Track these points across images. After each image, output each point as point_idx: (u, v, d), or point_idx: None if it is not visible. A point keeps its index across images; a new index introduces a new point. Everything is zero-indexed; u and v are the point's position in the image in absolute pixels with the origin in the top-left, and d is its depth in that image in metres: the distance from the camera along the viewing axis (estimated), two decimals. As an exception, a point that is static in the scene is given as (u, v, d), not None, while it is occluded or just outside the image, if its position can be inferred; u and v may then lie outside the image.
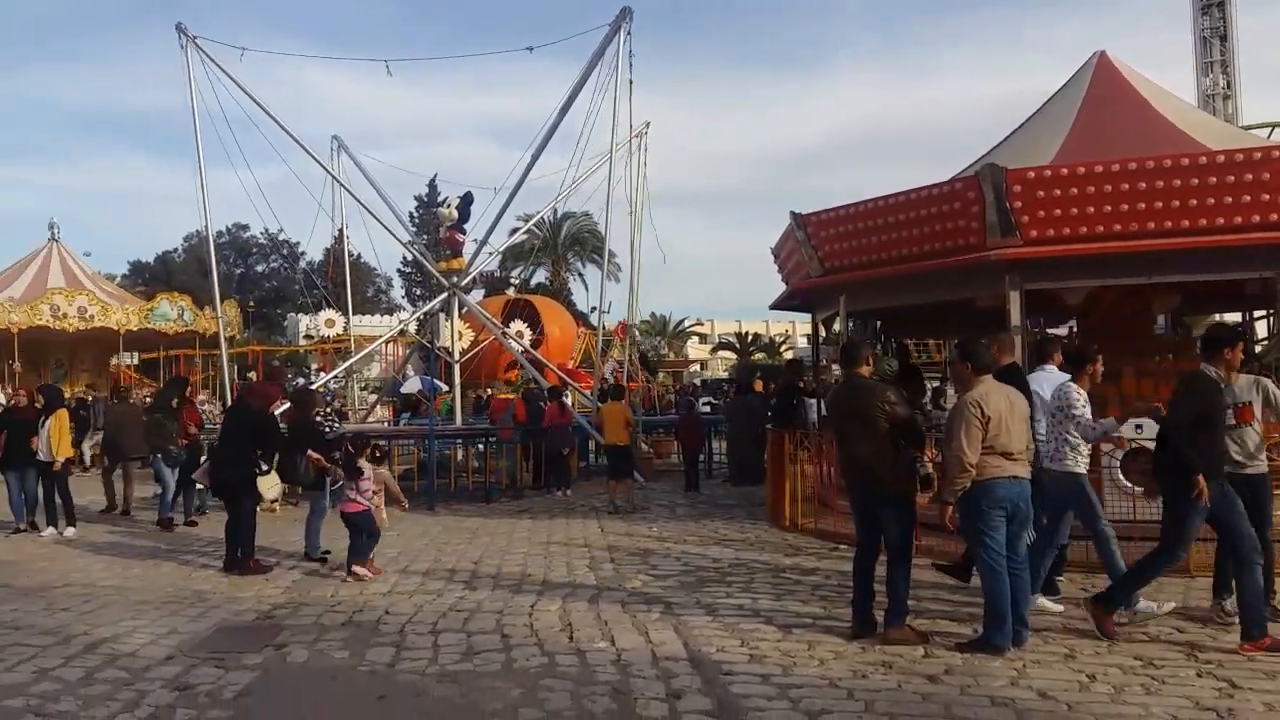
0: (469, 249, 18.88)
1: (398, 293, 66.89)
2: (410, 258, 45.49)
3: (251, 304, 47.93)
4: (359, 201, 19.18)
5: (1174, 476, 6.10)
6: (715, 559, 9.21)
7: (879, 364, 7.29)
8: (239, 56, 16.35)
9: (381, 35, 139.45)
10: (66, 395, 16.89)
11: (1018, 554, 6.12)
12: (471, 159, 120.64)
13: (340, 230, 22.95)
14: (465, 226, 18.39)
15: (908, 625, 6.26)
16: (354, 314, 27.13)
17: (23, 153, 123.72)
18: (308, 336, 43.24)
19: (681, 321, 66.92)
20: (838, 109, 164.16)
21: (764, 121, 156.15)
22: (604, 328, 23.84)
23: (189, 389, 13.59)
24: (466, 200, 18.34)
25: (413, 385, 25.53)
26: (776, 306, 14.19)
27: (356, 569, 8.50)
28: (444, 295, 18.48)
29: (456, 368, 18.61)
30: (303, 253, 47.12)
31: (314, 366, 36.46)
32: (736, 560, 9.10)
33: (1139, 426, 9.08)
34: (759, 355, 62.76)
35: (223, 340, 18.66)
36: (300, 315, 51.04)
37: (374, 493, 8.85)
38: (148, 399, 22.34)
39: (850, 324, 11.75)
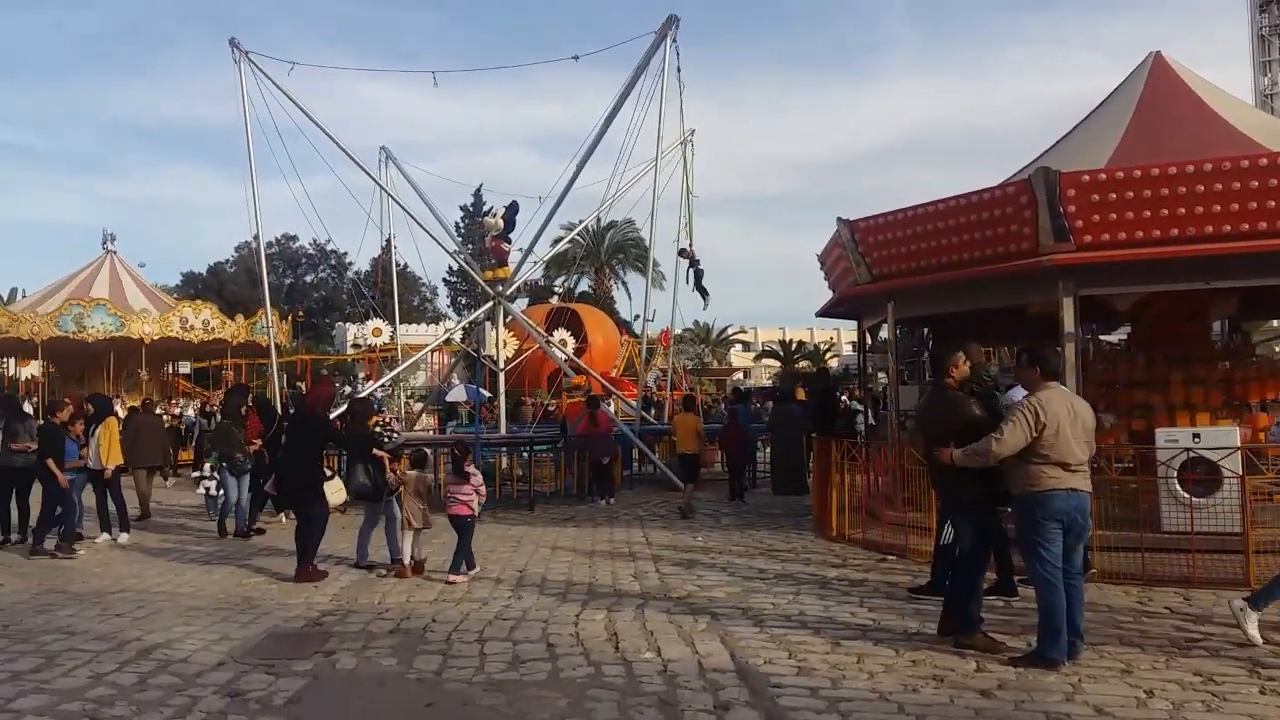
0: (514, 258, 19.00)
1: (443, 301, 67.43)
2: (456, 267, 45.95)
3: (300, 313, 48.53)
4: (406, 211, 19.37)
5: None
6: (761, 569, 9.13)
7: (982, 370, 7.18)
8: (289, 70, 16.61)
9: (428, 46, 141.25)
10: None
11: (1073, 566, 5.98)
12: (516, 168, 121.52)
13: (388, 240, 23.19)
14: (510, 236, 18.51)
15: (982, 632, 6.22)
16: (400, 323, 27.39)
17: (78, 164, 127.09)
18: (355, 345, 43.72)
19: (725, 329, 66.75)
20: (885, 112, 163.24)
21: (810, 126, 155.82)
22: (647, 336, 23.81)
23: (245, 396, 13.60)
24: (512, 210, 18.45)
25: (458, 394, 25.72)
26: (823, 314, 14.08)
27: (454, 577, 8.70)
28: (489, 304, 18.58)
29: (501, 376, 18.71)
30: (350, 262, 47.68)
31: (361, 375, 36.87)
32: (783, 571, 9.01)
33: (1196, 435, 8.90)
34: (804, 363, 62.38)
35: (273, 349, 18.91)
36: (348, 324, 51.59)
37: (479, 499, 9.22)
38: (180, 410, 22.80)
39: (898, 331, 11.60)
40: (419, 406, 27.24)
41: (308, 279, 68.80)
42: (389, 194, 20.19)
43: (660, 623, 7.04)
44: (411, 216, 19.21)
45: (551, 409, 22.07)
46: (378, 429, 10.75)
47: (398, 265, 27.07)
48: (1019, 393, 7.77)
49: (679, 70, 16.82)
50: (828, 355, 65.79)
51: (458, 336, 25.78)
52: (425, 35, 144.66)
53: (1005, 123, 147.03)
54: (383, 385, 20.53)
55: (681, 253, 19.58)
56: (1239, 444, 8.81)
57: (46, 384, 27.89)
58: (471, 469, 9.41)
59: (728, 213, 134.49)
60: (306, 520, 9.14)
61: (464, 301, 59.85)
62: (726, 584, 8.46)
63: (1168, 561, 8.12)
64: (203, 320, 26.21)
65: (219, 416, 15.57)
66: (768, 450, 17.67)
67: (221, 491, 12.12)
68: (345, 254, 54.42)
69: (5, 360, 31.84)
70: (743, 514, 13.34)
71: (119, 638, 6.74)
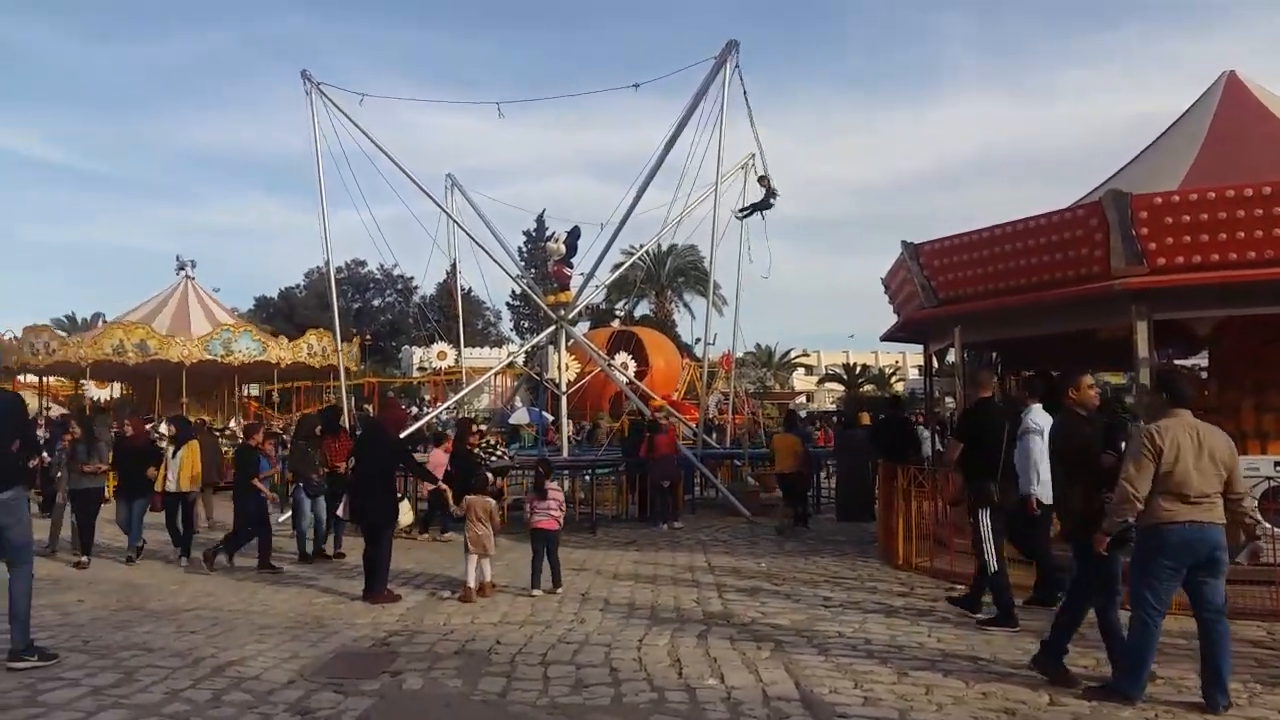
0: (575, 282, 19.18)
1: (506, 325, 68.24)
2: (519, 291, 46.38)
3: (368, 337, 49.47)
4: (470, 237, 19.74)
5: None
6: (826, 596, 9.03)
7: (1116, 401, 7.18)
8: (359, 102, 17.05)
9: (490, 75, 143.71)
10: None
11: (1212, 603, 5.55)
12: (577, 194, 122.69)
13: (453, 265, 23.58)
14: (572, 260, 18.71)
15: (1063, 665, 6.02)
16: (465, 346, 27.78)
17: (152, 192, 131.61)
18: (421, 368, 44.43)
19: (787, 353, 66.36)
20: (949, 133, 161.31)
21: (872, 148, 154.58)
22: (709, 359, 23.79)
23: (339, 416, 13.51)
24: (574, 235, 18.67)
25: (521, 416, 25.96)
26: (888, 338, 13.93)
27: (537, 591, 8.96)
28: (551, 328, 18.76)
29: (564, 399, 18.84)
30: (416, 287, 48.59)
31: (426, 398, 37.43)
32: (848, 599, 8.90)
33: (1278, 464, 8.60)
34: (868, 387, 61.67)
35: (342, 372, 19.32)
36: (414, 348, 52.48)
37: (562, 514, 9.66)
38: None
39: (965, 355, 11.43)
40: (482, 429, 27.55)
41: (375, 303, 70.23)
42: (454, 220, 20.56)
43: (723, 649, 7.00)
44: (476, 242, 19.56)
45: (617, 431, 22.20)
46: (480, 449, 10.95)
47: (462, 290, 27.52)
48: (1039, 415, 8.20)
49: (745, 94, 16.85)
50: (893, 379, 64.97)
51: (520, 360, 26.05)
52: (487, 64, 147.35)
53: (1070, 145, 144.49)
54: (448, 408, 20.80)
55: (761, 180, 18.61)
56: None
57: (112, 405, 28.90)
58: (552, 485, 9.72)
59: (790, 236, 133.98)
60: (377, 543, 9.23)
61: (526, 325, 60.53)
62: (791, 611, 8.39)
63: (1249, 594, 7.83)
64: (322, 347, 27.52)
65: (283, 439, 15.88)
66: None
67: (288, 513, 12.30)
68: (412, 279, 55.60)
69: (83, 382, 32.95)
70: (807, 540, 13.21)
71: (194, 654, 6.90)
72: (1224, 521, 5.54)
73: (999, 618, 7.65)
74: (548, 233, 32.64)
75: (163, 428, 17.11)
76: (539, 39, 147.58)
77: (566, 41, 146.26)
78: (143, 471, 11.56)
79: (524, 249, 54.53)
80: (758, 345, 61.23)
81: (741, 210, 18.90)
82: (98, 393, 35.29)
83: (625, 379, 23.11)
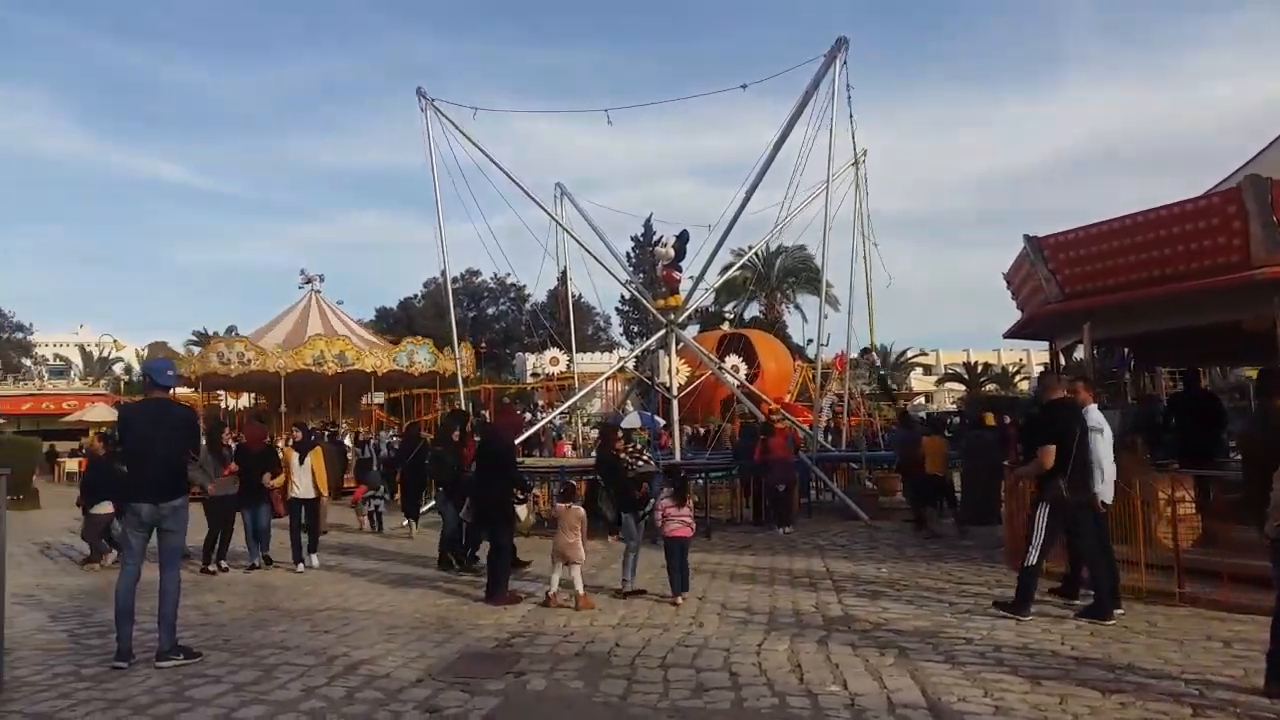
0: (684, 285, 19.20)
1: (616, 330, 68.80)
2: (628, 296, 46.76)
3: (483, 345, 50.61)
4: (580, 244, 19.98)
5: None
6: (951, 603, 8.78)
7: None
8: (472, 115, 17.48)
9: (596, 83, 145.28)
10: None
11: None
12: (684, 198, 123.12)
13: (563, 272, 23.92)
14: (681, 264, 18.73)
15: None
16: (576, 352, 28.17)
17: (279, 210, 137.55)
18: (534, 374, 45.16)
19: (904, 352, 64.89)
20: (1072, 122, 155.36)
21: (990, 140, 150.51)
22: (821, 361, 23.48)
23: (469, 423, 13.64)
24: (682, 239, 18.69)
25: (632, 420, 26.10)
26: (1011, 335, 13.48)
27: (679, 599, 8.90)
28: (661, 332, 18.82)
29: (675, 403, 18.87)
30: (529, 294, 49.43)
31: (539, 403, 38.02)
32: (974, 605, 8.63)
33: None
34: (990, 386, 59.83)
35: (460, 379, 19.81)
36: (527, 354, 53.37)
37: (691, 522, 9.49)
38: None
39: (1095, 351, 10.97)
40: (594, 433, 27.81)
41: (490, 311, 71.76)
42: (564, 228, 20.86)
43: (845, 655, 6.88)
44: (585, 249, 19.79)
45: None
46: (627, 454, 11.09)
47: (573, 296, 27.88)
48: (1096, 415, 8.17)
49: (849, 91, 16.59)
50: (1016, 378, 62.89)
51: (631, 364, 26.21)
52: (593, 73, 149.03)
53: (1196, 131, 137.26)
54: (561, 413, 21.10)
55: None
56: None
57: (242, 415, 30.42)
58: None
59: (905, 234, 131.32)
60: (497, 548, 9.40)
61: (636, 330, 60.88)
62: (914, 616, 8.19)
63: None
64: (427, 352, 29.00)
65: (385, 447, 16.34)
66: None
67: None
68: (524, 286, 56.55)
69: (217, 393, 34.64)
70: (929, 545, 12.89)
71: (327, 653, 7.16)
72: None
73: (1014, 605, 8.01)
74: (655, 237, 32.74)
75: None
76: (646, 46, 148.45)
77: (674, 46, 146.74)
78: (259, 478, 11.70)
79: (632, 254, 54.92)
80: (880, 346, 60.02)
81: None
82: (232, 403, 37.07)
83: (736, 382, 22.96)
